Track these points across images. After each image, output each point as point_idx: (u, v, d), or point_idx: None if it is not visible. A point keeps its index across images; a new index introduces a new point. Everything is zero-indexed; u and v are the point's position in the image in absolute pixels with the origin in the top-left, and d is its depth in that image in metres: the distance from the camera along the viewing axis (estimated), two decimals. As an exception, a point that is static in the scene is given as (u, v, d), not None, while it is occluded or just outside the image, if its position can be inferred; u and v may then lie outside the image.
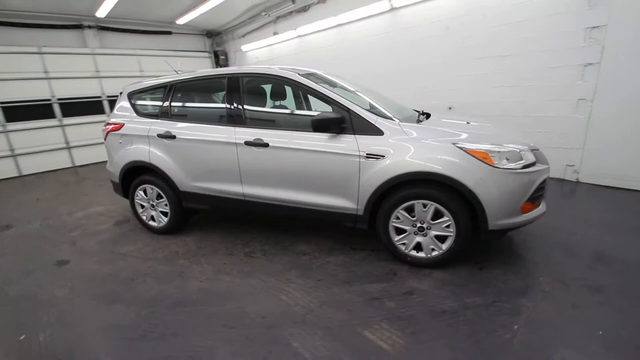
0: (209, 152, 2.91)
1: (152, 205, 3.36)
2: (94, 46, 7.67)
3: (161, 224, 3.37)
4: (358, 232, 2.74)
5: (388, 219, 2.44)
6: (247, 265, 2.74)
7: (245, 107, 2.84)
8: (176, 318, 2.14)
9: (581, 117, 3.98)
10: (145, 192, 3.33)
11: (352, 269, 2.57)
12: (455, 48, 4.90)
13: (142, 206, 3.43)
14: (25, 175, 7.06)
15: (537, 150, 2.37)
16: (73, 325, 2.16)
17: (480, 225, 2.24)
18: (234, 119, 2.84)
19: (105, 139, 3.52)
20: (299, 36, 7.28)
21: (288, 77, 2.70)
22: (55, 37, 7.20)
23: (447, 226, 2.30)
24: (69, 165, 7.66)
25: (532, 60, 4.21)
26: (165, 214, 3.32)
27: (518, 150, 2.23)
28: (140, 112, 3.36)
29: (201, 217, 3.76)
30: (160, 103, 3.22)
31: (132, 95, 3.44)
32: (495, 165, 2.16)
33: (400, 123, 2.43)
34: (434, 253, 2.41)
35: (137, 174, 3.35)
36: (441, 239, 2.37)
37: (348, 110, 2.45)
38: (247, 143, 2.71)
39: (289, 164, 2.63)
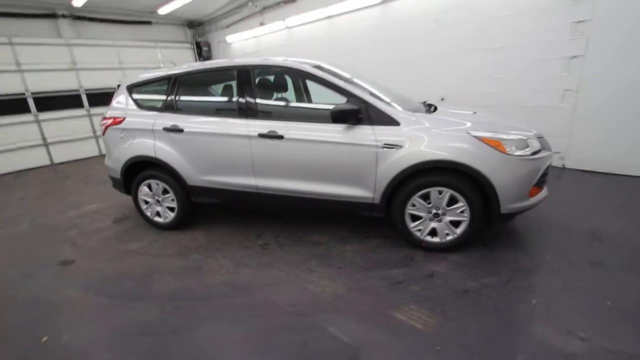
0: (220, 145, 2.87)
1: (158, 201, 3.27)
2: (69, 37, 7.23)
3: (167, 220, 3.30)
4: (369, 220, 2.81)
5: (404, 207, 2.53)
6: (265, 257, 2.75)
7: (258, 99, 2.82)
8: (203, 312, 2.14)
9: (567, 106, 4.23)
10: (150, 187, 3.24)
11: (370, 255, 2.65)
12: (445, 40, 5.04)
13: (147, 202, 3.34)
14: (1, 175, 6.62)
15: (542, 137, 2.53)
16: (97, 325, 2.11)
17: (493, 209, 2.37)
18: (246, 111, 2.81)
19: (103, 134, 3.38)
20: (287, 27, 7.19)
21: (302, 69, 2.70)
22: (27, 27, 6.73)
23: (462, 211, 2.42)
24: (47, 163, 7.26)
25: (520, 52, 4.40)
26: (171, 209, 3.25)
27: (526, 138, 2.37)
28: (142, 106, 3.24)
29: (205, 212, 3.71)
30: (164, 96, 3.12)
31: (132, 88, 3.30)
32: (508, 153, 2.28)
33: (415, 114, 2.51)
34: (449, 237, 2.53)
35: (140, 169, 3.25)
36: (455, 224, 2.49)
37: (365, 102, 2.49)
38: (261, 135, 2.70)
39: (305, 155, 2.65)
